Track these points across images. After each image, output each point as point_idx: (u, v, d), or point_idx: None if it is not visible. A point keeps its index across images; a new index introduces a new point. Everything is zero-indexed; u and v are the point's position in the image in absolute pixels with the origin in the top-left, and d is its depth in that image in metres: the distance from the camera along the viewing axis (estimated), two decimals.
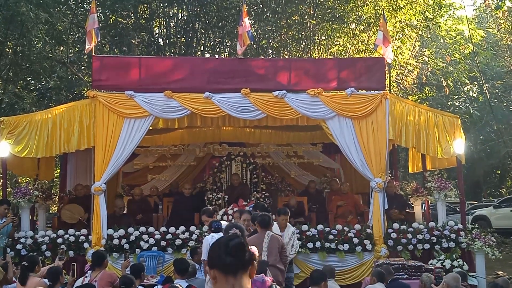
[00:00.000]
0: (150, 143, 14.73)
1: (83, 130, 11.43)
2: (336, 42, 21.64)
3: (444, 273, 10.19)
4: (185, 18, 22.39)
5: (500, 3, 15.64)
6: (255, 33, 18.18)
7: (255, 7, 20.69)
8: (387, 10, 18.74)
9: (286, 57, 20.58)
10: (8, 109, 17.70)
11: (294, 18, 20.56)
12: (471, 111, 24.92)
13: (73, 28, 20.15)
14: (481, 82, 25.17)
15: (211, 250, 2.82)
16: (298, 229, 11.06)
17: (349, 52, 20.74)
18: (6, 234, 10.91)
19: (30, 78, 20.96)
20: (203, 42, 22.60)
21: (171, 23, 22.69)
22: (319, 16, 20.19)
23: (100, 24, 15.08)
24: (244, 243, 2.76)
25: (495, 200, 27.70)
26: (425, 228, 11.68)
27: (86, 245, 11.17)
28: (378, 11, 19.26)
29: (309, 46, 21.15)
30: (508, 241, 20.20)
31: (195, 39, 22.21)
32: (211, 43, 22.95)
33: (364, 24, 20.40)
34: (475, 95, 31.42)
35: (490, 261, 12.28)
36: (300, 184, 15.25)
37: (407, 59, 21.14)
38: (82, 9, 20.80)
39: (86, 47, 11.99)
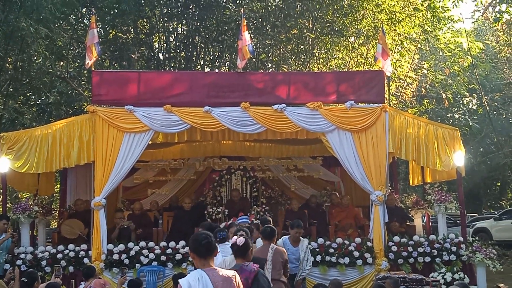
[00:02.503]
0: (150, 158, 14.73)
1: (83, 145, 11.45)
2: (335, 56, 21.68)
3: (443, 286, 10.20)
4: (184, 32, 22.46)
5: (498, 15, 15.66)
6: (254, 47, 18.22)
7: (255, 21, 20.74)
8: (385, 23, 18.77)
9: (286, 70, 20.62)
10: (8, 124, 17.71)
11: (293, 32, 20.61)
12: (471, 124, 24.94)
13: (73, 43, 20.22)
14: (480, 94, 25.21)
15: (193, 241, 4.65)
16: None
17: (348, 65, 20.77)
18: (5, 250, 10.89)
19: (30, 93, 20.97)
20: (202, 56, 22.66)
21: (171, 38, 22.76)
22: (318, 29, 20.23)
23: (100, 39, 15.12)
24: (212, 242, 4.63)
25: (496, 212, 27.63)
26: (425, 241, 11.65)
27: (86, 260, 11.13)
28: (377, 24, 19.31)
29: (308, 60, 21.20)
30: (509, 253, 20.12)
31: (194, 53, 22.26)
32: (211, 57, 23.01)
33: (363, 37, 20.45)
34: (474, 107, 31.46)
35: (491, 274, 12.22)
36: (300, 197, 15.21)
37: (406, 72, 21.17)
38: (82, 24, 20.87)
39: (86, 62, 12.01)
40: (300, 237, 9.41)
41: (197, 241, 4.61)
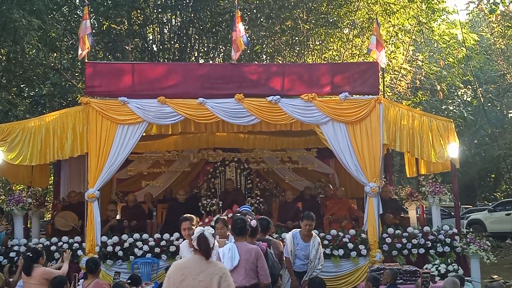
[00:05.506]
0: (144, 149, 14.70)
1: (77, 137, 11.38)
2: (329, 47, 21.64)
3: (437, 278, 10.20)
4: (178, 24, 22.36)
5: (493, 7, 15.65)
6: (249, 38, 18.17)
7: (249, 13, 20.67)
8: (380, 14, 18.75)
9: (280, 62, 20.58)
10: (1, 116, 17.64)
11: (287, 23, 20.56)
12: (465, 115, 25.01)
13: (66, 34, 20.08)
14: (474, 86, 25.28)
15: (232, 223, 6.84)
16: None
17: (343, 57, 20.76)
18: None
19: (23, 85, 20.89)
20: (197, 48, 22.59)
21: (164, 29, 22.65)
22: (313, 21, 20.19)
23: (94, 31, 15.05)
24: (244, 226, 6.71)
25: (490, 204, 27.72)
26: (420, 233, 11.67)
27: (80, 252, 11.11)
28: (372, 16, 19.29)
29: (303, 51, 21.17)
30: (503, 245, 20.23)
31: (189, 45, 22.18)
32: (205, 49, 22.93)
33: (358, 29, 20.42)
34: (469, 99, 31.54)
35: (485, 265, 12.28)
36: (294, 189, 15.19)
37: (401, 64, 21.17)
38: (75, 16, 20.73)
39: (79, 53, 11.95)
40: (313, 232, 9.14)
41: (234, 223, 6.79)
